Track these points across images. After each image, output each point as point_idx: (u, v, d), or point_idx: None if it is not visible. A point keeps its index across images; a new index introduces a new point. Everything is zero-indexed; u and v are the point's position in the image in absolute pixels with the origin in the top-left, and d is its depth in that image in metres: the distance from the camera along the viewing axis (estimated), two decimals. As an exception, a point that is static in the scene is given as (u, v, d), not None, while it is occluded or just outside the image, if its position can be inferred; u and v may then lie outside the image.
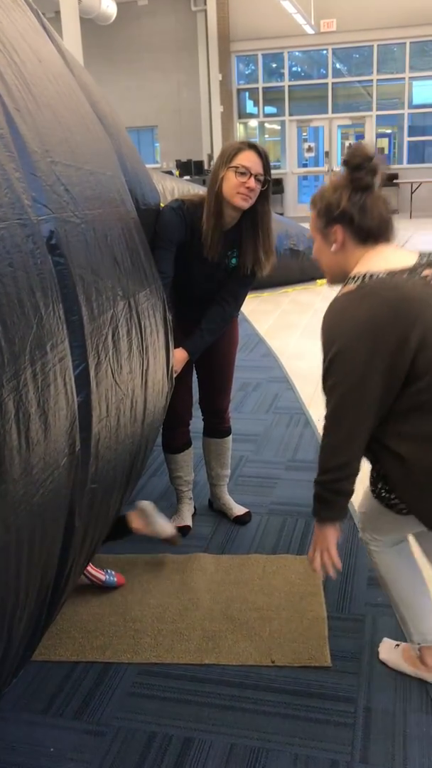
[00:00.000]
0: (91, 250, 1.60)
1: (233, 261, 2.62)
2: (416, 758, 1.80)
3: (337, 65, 16.57)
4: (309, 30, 15.17)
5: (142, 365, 1.93)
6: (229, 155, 2.42)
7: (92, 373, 1.52)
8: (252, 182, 2.40)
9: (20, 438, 1.18)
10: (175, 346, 2.60)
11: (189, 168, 15.68)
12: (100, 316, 1.60)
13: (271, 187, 2.52)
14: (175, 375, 2.60)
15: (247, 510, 3.04)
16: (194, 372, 2.91)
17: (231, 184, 2.42)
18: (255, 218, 2.53)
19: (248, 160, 2.40)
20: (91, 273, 1.57)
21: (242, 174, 2.40)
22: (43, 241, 1.35)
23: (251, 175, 2.40)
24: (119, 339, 1.73)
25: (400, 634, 2.24)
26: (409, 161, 16.49)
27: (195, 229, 2.53)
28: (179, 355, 2.62)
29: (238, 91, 17.23)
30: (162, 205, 2.61)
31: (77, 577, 1.84)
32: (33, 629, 1.44)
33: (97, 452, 1.60)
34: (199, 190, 4.74)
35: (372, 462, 1.84)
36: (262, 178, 2.43)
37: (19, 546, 1.23)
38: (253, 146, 2.43)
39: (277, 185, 16.54)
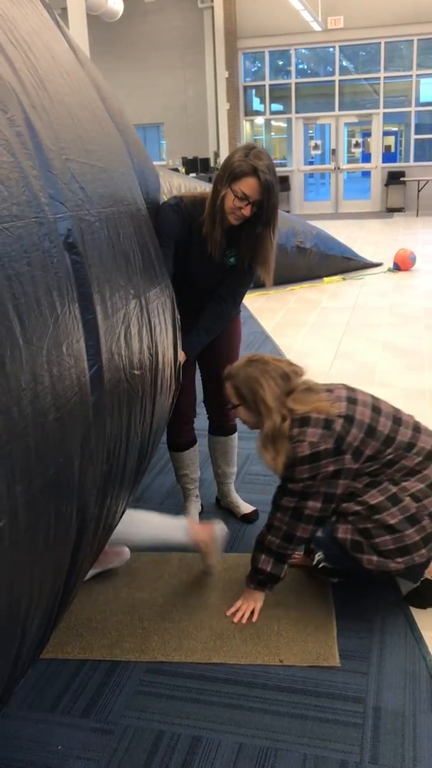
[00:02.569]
0: (105, 249, 1.60)
1: (231, 260, 2.61)
2: (426, 758, 1.79)
3: (344, 63, 16.53)
4: (316, 27, 15.13)
5: (151, 364, 1.93)
6: (233, 176, 2.37)
7: (105, 373, 1.52)
8: (248, 210, 2.40)
9: (38, 439, 1.17)
10: None
11: (195, 165, 15.66)
12: (114, 314, 1.60)
13: (274, 215, 2.45)
14: None
15: (254, 508, 3.04)
16: (197, 370, 2.90)
17: (228, 204, 2.41)
18: (254, 241, 2.50)
19: (249, 188, 2.36)
20: (105, 271, 1.56)
21: (240, 200, 2.38)
22: (60, 240, 1.34)
23: (249, 203, 2.39)
24: (131, 338, 1.73)
25: (410, 634, 2.23)
26: (416, 159, 16.45)
27: (193, 226, 2.52)
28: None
29: (245, 88, 17.20)
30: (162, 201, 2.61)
31: (85, 575, 1.84)
32: (44, 628, 1.44)
33: (109, 452, 1.59)
34: (206, 188, 4.73)
35: None
36: (259, 204, 2.40)
37: (35, 545, 1.23)
38: (257, 174, 2.35)
39: (284, 182, 16.52)
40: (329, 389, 2.35)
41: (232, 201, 2.40)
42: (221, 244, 2.51)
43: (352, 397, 2.31)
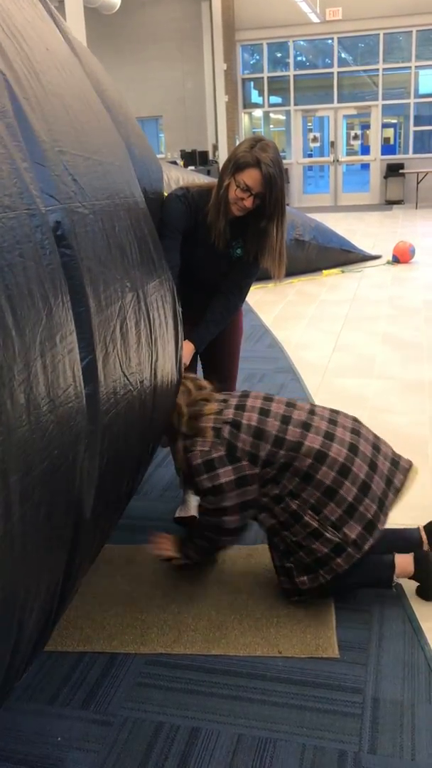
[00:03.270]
0: (98, 241, 1.59)
1: (238, 251, 2.61)
2: (424, 748, 1.80)
3: (343, 54, 16.48)
4: (314, 18, 15.08)
5: (151, 357, 1.92)
6: (237, 166, 2.40)
7: (100, 366, 1.51)
8: (250, 202, 2.41)
9: (31, 430, 1.17)
10: None
11: (194, 158, 15.63)
12: (108, 307, 1.59)
13: (278, 209, 2.44)
14: (184, 367, 2.59)
15: (253, 501, 3.03)
16: (199, 363, 2.90)
17: (231, 194, 2.44)
18: (260, 235, 2.51)
19: (251, 179, 2.37)
20: (98, 264, 1.56)
21: (242, 191, 2.40)
22: (51, 232, 1.34)
23: (252, 195, 2.40)
24: (127, 331, 1.72)
25: (408, 625, 2.24)
26: (415, 151, 16.42)
27: (200, 217, 2.52)
28: (186, 348, 2.62)
29: (243, 80, 17.15)
30: (165, 193, 2.60)
31: (86, 570, 1.84)
32: (44, 621, 1.44)
33: (105, 445, 1.59)
34: (204, 180, 4.72)
35: None
36: (262, 195, 2.40)
37: (30, 537, 1.23)
38: (260, 166, 2.35)
39: (282, 175, 16.46)
40: (225, 399, 2.40)
41: (235, 191, 2.41)
42: (225, 234, 2.51)
43: (241, 403, 2.35)
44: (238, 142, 16.72)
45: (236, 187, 2.40)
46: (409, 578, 2.38)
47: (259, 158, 2.35)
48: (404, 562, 2.36)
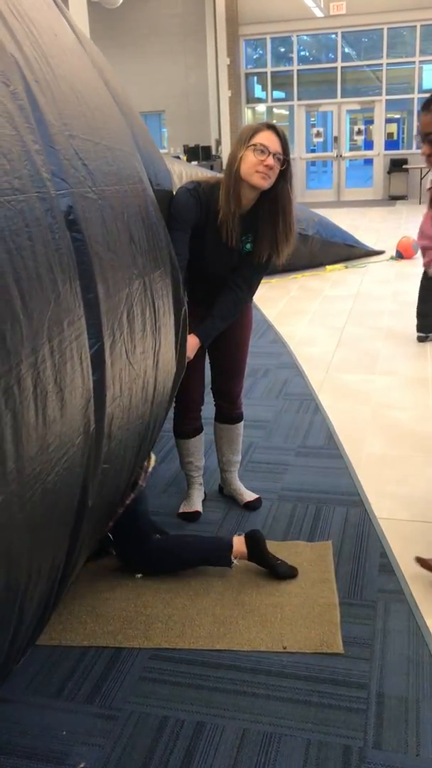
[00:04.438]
0: (107, 227, 1.57)
1: (248, 246, 2.59)
2: (429, 743, 1.79)
3: (347, 49, 16.41)
4: (318, 13, 15.01)
5: (154, 345, 1.91)
6: (247, 136, 2.42)
7: (107, 352, 1.50)
8: (270, 160, 2.38)
9: (37, 415, 1.16)
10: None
11: (197, 153, 15.58)
12: (116, 294, 1.57)
13: (291, 168, 2.49)
14: (187, 361, 2.57)
15: (257, 496, 3.02)
16: (207, 357, 2.89)
17: (249, 162, 2.40)
18: (275, 201, 2.50)
19: (266, 138, 2.40)
20: (107, 250, 1.54)
21: (261, 152, 2.38)
22: (62, 216, 1.32)
23: (270, 153, 2.38)
24: (134, 318, 1.71)
25: (413, 620, 2.23)
26: (419, 146, 16.34)
27: (210, 210, 2.50)
28: (191, 342, 2.60)
29: (247, 75, 17.09)
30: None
31: (85, 557, 1.83)
32: (43, 607, 1.43)
33: (110, 432, 1.58)
34: (208, 174, 4.70)
35: None
36: (281, 157, 2.40)
37: (33, 524, 1.22)
38: (271, 126, 2.43)
39: (285, 171, 16.42)
40: None
41: (253, 157, 2.39)
42: (235, 228, 2.48)
43: None
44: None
45: (253, 152, 2.38)
46: (248, 560, 2.48)
47: (268, 123, 2.47)
48: (238, 541, 2.48)
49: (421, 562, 2.41)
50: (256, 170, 2.40)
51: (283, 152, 2.42)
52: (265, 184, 2.42)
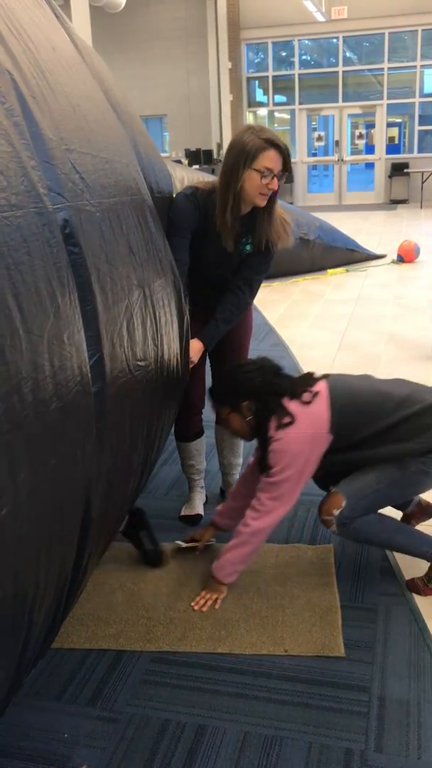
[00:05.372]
0: (106, 239, 1.59)
1: (247, 248, 2.59)
2: (431, 747, 1.80)
3: (348, 54, 16.45)
4: (320, 17, 15.05)
5: (157, 355, 1.92)
6: (252, 155, 2.32)
7: (107, 363, 1.51)
8: (275, 183, 2.37)
9: (41, 428, 1.17)
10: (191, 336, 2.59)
11: (198, 157, 15.63)
12: (115, 305, 1.59)
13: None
14: (191, 365, 2.59)
15: (258, 499, 3.03)
16: (207, 360, 2.90)
17: (254, 185, 2.36)
18: (270, 204, 2.49)
19: (272, 161, 2.33)
20: (105, 262, 1.56)
21: (265, 176, 2.34)
22: (58, 230, 1.34)
23: (274, 176, 2.36)
24: (134, 329, 1.72)
25: (414, 624, 2.24)
26: (420, 150, 16.38)
27: (209, 215, 2.51)
28: (195, 346, 2.61)
29: (248, 79, 17.13)
30: (174, 192, 2.60)
31: (93, 567, 1.84)
32: (52, 619, 1.44)
33: (113, 443, 1.59)
34: (209, 179, 4.72)
35: None
36: (281, 173, 2.40)
37: (40, 535, 1.24)
38: (275, 145, 2.33)
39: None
40: None
41: (259, 180, 2.34)
42: (234, 234, 2.49)
43: None
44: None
45: (259, 175, 2.33)
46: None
47: (270, 138, 2.33)
48: None
49: (410, 584, 2.43)
50: (260, 192, 2.38)
51: (284, 168, 2.37)
52: (265, 202, 2.44)
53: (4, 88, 1.28)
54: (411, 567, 2.50)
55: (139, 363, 1.77)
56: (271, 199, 2.47)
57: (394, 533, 2.40)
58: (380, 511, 2.40)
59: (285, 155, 2.36)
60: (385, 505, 2.43)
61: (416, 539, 2.42)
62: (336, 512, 2.30)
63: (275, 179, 2.37)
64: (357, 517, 2.31)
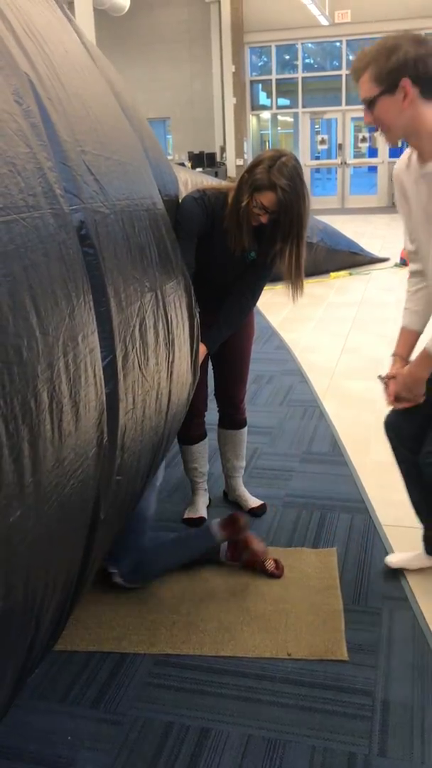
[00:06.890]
0: (119, 241, 1.60)
1: (252, 254, 2.61)
2: (434, 752, 1.80)
3: (351, 57, 16.44)
4: (323, 21, 15.07)
5: (168, 357, 1.93)
6: (255, 187, 2.39)
7: (120, 365, 1.52)
8: (266, 218, 2.44)
9: (53, 429, 1.18)
10: None
11: (201, 160, 15.64)
12: (128, 307, 1.60)
13: (292, 229, 2.47)
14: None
15: (262, 502, 3.04)
16: (210, 363, 2.91)
17: (250, 208, 2.44)
18: (274, 246, 2.53)
19: (269, 201, 2.39)
20: (119, 264, 1.56)
21: (259, 209, 2.42)
22: (74, 231, 1.34)
23: (267, 213, 2.42)
24: (146, 330, 1.73)
25: (418, 627, 2.24)
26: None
27: (216, 219, 2.52)
28: (199, 349, 2.62)
29: (252, 82, 17.15)
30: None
31: (97, 568, 1.85)
32: (58, 619, 1.45)
33: (123, 444, 1.60)
34: (212, 182, 4.72)
35: None
36: (276, 215, 2.43)
37: (50, 537, 1.24)
38: (277, 190, 2.37)
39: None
40: None
41: (252, 209, 2.43)
42: (242, 242, 2.51)
43: None
44: (246, 145, 16.78)
45: (255, 206, 2.41)
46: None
47: (276, 182, 2.35)
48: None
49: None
50: (253, 218, 2.45)
51: (284, 213, 2.40)
52: (259, 222, 2.47)
53: (22, 90, 1.29)
54: (416, 571, 2.50)
55: (150, 365, 1.77)
56: (274, 237, 2.50)
57: None
58: None
59: (281, 204, 2.38)
60: None
61: None
62: None
63: (267, 215, 2.43)
64: None
